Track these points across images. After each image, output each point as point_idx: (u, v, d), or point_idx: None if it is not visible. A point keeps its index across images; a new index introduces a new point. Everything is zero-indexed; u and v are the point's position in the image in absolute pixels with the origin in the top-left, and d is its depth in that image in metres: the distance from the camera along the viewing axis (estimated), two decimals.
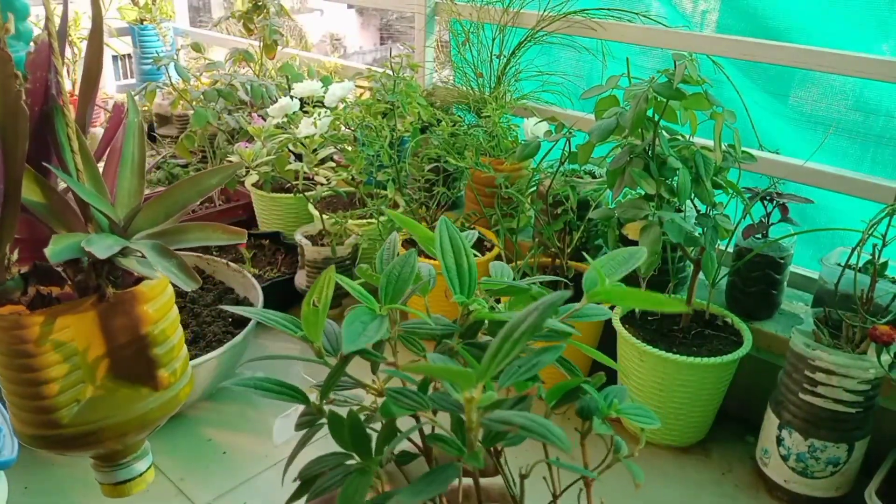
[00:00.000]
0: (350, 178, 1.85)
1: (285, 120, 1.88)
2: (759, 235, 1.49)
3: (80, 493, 1.36)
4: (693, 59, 1.24)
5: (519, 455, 0.48)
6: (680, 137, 1.36)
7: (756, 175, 1.60)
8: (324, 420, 0.51)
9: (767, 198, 1.46)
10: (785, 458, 1.34)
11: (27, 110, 0.54)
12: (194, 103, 2.16)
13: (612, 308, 1.53)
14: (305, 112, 1.84)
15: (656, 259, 1.29)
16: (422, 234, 0.52)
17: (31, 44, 0.56)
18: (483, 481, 0.55)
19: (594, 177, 1.78)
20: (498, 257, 1.78)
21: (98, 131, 2.34)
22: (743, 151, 1.35)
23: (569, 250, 1.65)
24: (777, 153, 1.54)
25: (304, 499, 0.52)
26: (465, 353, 0.50)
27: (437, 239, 0.50)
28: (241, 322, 1.66)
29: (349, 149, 1.85)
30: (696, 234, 1.34)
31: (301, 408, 0.52)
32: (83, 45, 3.03)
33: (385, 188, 1.86)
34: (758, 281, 1.52)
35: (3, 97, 0.52)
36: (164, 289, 0.62)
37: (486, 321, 0.50)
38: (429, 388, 0.49)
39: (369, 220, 1.94)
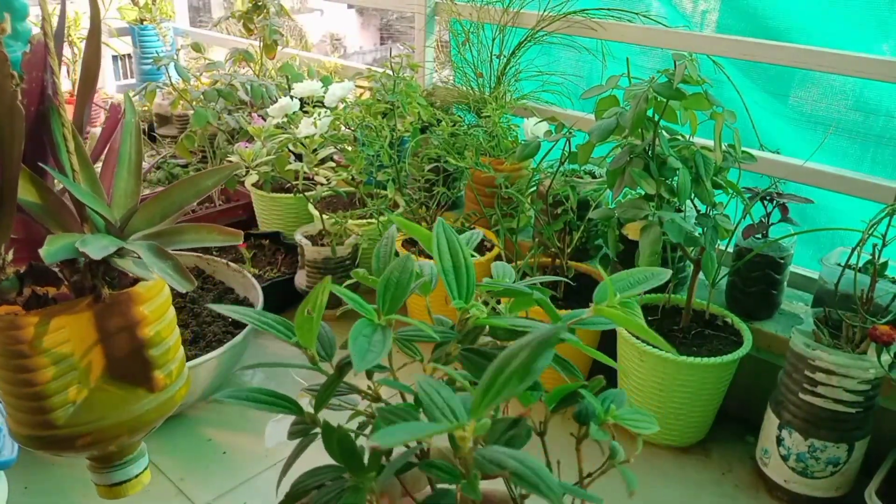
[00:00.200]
0: (350, 178, 1.85)
1: (285, 120, 1.88)
2: (759, 235, 1.49)
3: (80, 493, 1.36)
4: (693, 59, 1.24)
5: None
6: (680, 137, 1.36)
7: (756, 175, 1.60)
8: (318, 430, 0.51)
9: (767, 198, 1.46)
10: (785, 458, 1.34)
11: (23, 110, 0.53)
12: (194, 103, 2.16)
13: None
14: (305, 112, 1.84)
15: (656, 259, 1.29)
16: (423, 236, 0.51)
17: (29, 44, 0.56)
18: (484, 486, 0.54)
19: (594, 177, 1.78)
20: (498, 257, 1.78)
21: (98, 131, 2.34)
22: (743, 151, 1.35)
23: (569, 250, 1.65)
24: (777, 153, 1.54)
25: None
26: (462, 360, 0.49)
27: (435, 241, 0.50)
28: (241, 322, 1.66)
29: (349, 149, 1.85)
30: (696, 234, 1.34)
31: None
32: (83, 45, 3.02)
33: (385, 188, 1.85)
34: (758, 281, 1.52)
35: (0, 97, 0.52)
36: (160, 290, 0.62)
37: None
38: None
39: (369, 220, 1.94)
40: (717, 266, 1.44)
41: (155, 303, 0.61)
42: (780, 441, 1.35)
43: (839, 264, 1.36)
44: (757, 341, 1.49)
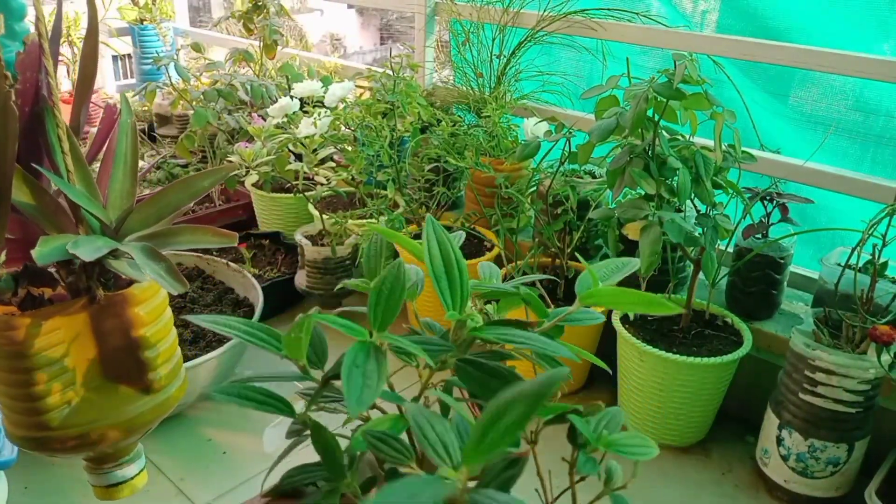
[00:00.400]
0: (350, 178, 1.85)
1: (285, 120, 1.88)
2: (759, 235, 1.49)
3: (80, 493, 1.36)
4: (693, 59, 1.23)
5: None
6: (680, 137, 1.36)
7: (756, 175, 1.60)
8: (309, 433, 0.50)
9: (767, 198, 1.46)
10: (785, 458, 1.34)
11: (17, 110, 0.53)
12: (194, 103, 2.16)
13: (610, 311, 1.53)
14: (305, 112, 1.84)
15: (656, 259, 1.29)
16: (410, 247, 0.50)
17: (23, 44, 0.56)
18: None
19: (594, 177, 1.78)
20: (498, 257, 1.78)
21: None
22: (743, 151, 1.35)
23: (569, 250, 1.65)
24: (778, 153, 1.54)
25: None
26: (457, 370, 0.48)
27: (426, 244, 0.48)
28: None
29: (349, 149, 1.85)
30: (696, 234, 1.33)
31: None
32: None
33: (385, 188, 1.85)
34: (758, 281, 1.52)
35: None
36: (156, 291, 0.62)
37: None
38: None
39: (369, 220, 1.94)
40: (717, 266, 1.44)
41: (150, 304, 0.61)
42: (780, 441, 1.35)
43: (839, 264, 1.36)
44: (757, 341, 1.49)
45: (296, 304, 1.94)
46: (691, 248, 1.40)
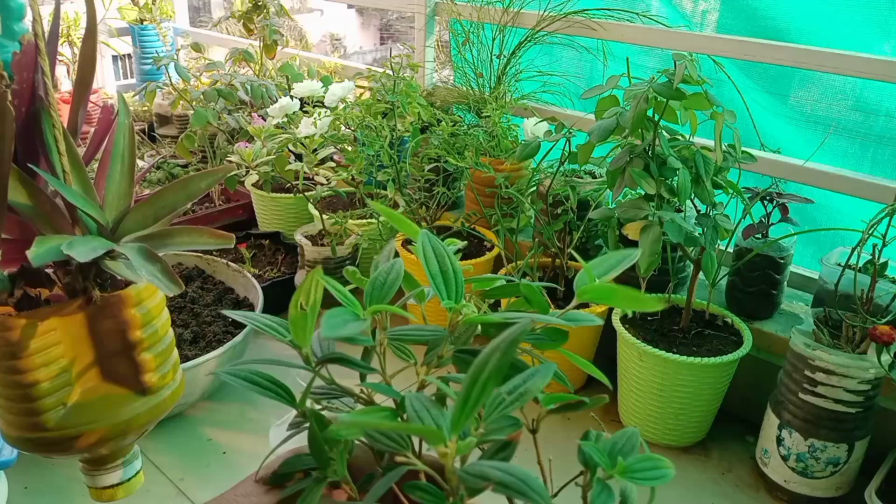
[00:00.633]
0: (350, 178, 1.85)
1: (285, 120, 1.88)
2: (759, 235, 1.49)
3: (79, 493, 1.36)
4: (693, 59, 1.24)
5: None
6: (680, 137, 1.36)
7: (757, 175, 1.60)
8: (307, 424, 0.51)
9: (767, 198, 1.46)
10: (785, 458, 1.34)
11: (13, 111, 0.53)
12: (194, 103, 2.16)
13: (610, 311, 1.53)
14: (305, 112, 1.84)
15: (656, 259, 1.29)
16: (410, 230, 0.51)
17: (20, 44, 0.56)
18: None
19: (594, 177, 1.78)
20: (498, 257, 1.79)
21: None
22: (743, 151, 1.35)
23: (569, 250, 1.65)
24: (778, 153, 1.54)
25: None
26: (456, 362, 0.49)
27: (420, 249, 0.50)
28: (241, 322, 1.66)
29: (349, 149, 1.85)
30: (696, 234, 1.34)
31: (294, 413, 0.52)
32: None
33: (385, 188, 1.86)
34: (758, 281, 1.52)
35: None
36: (153, 292, 0.61)
37: (480, 325, 0.49)
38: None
39: (369, 220, 1.94)
40: (717, 266, 1.44)
41: (147, 305, 0.61)
42: (780, 441, 1.35)
43: (839, 264, 1.36)
44: (757, 341, 1.49)
45: None
46: (691, 248, 1.40)
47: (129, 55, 3.62)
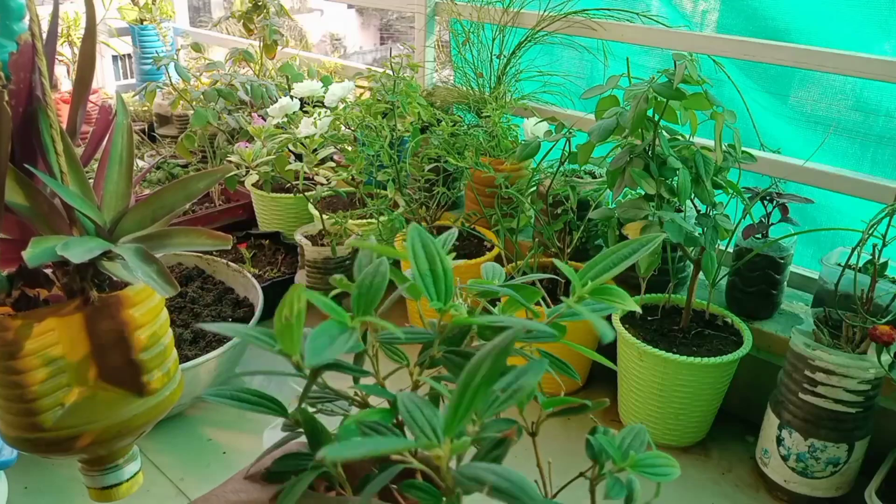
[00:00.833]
0: (350, 178, 1.85)
1: (285, 120, 1.88)
2: (759, 235, 1.49)
3: (79, 493, 1.36)
4: (693, 59, 1.23)
5: (509, 461, 0.48)
6: (680, 137, 1.36)
7: (757, 175, 1.60)
8: (301, 430, 0.51)
9: (767, 198, 1.46)
10: (785, 458, 1.34)
11: (9, 111, 0.53)
12: (194, 103, 2.16)
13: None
14: (305, 112, 1.84)
15: (656, 259, 1.29)
16: (392, 253, 0.50)
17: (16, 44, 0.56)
18: None
19: (594, 177, 1.78)
20: (498, 257, 1.78)
21: None
22: (743, 151, 1.35)
23: (569, 250, 1.65)
24: (778, 153, 1.54)
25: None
26: (445, 363, 0.49)
27: (409, 246, 0.49)
28: (242, 322, 1.66)
29: (349, 149, 1.85)
30: (696, 234, 1.34)
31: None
32: None
33: (385, 188, 1.85)
34: (758, 281, 1.52)
35: None
36: (151, 293, 0.61)
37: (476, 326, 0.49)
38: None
39: (369, 220, 1.93)
40: (717, 266, 1.44)
41: (145, 306, 0.61)
42: (780, 441, 1.35)
43: (839, 264, 1.36)
44: (757, 341, 1.49)
45: None
46: (691, 248, 1.40)
47: (128, 55, 3.62)
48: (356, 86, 2.02)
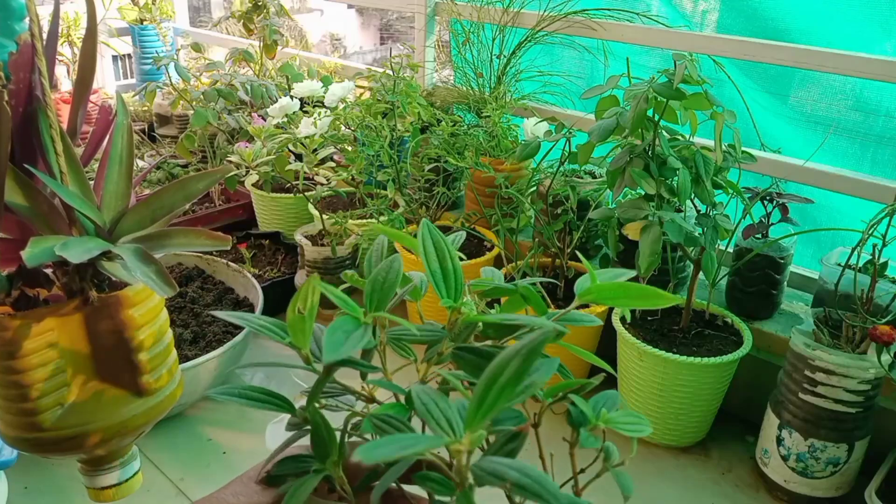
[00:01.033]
0: (350, 178, 1.85)
1: (285, 120, 1.88)
2: (759, 235, 1.49)
3: (80, 493, 1.36)
4: (693, 59, 1.23)
5: None
6: (680, 137, 1.36)
7: (757, 175, 1.60)
8: (309, 427, 0.51)
9: (767, 198, 1.46)
10: (785, 458, 1.34)
11: (9, 111, 0.53)
12: (194, 103, 2.16)
13: (610, 311, 1.53)
14: (305, 112, 1.84)
15: (656, 259, 1.29)
16: (407, 241, 0.51)
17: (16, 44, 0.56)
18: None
19: (594, 177, 1.78)
20: (498, 257, 1.79)
21: None
22: (743, 151, 1.35)
23: (569, 250, 1.65)
24: (778, 153, 1.54)
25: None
26: (455, 359, 0.49)
27: (420, 243, 0.49)
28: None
29: (349, 149, 1.85)
30: (696, 234, 1.34)
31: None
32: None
33: (385, 188, 1.86)
34: (758, 281, 1.52)
35: None
36: (150, 294, 0.61)
37: (481, 323, 0.50)
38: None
39: (369, 220, 1.93)
40: (717, 266, 1.44)
41: (145, 306, 0.61)
42: (780, 441, 1.35)
43: (839, 264, 1.36)
44: (757, 341, 1.49)
45: None
46: (691, 248, 1.40)
47: (129, 55, 3.62)
48: (356, 86, 2.02)
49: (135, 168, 0.64)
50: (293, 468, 0.52)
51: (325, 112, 1.79)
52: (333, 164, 1.89)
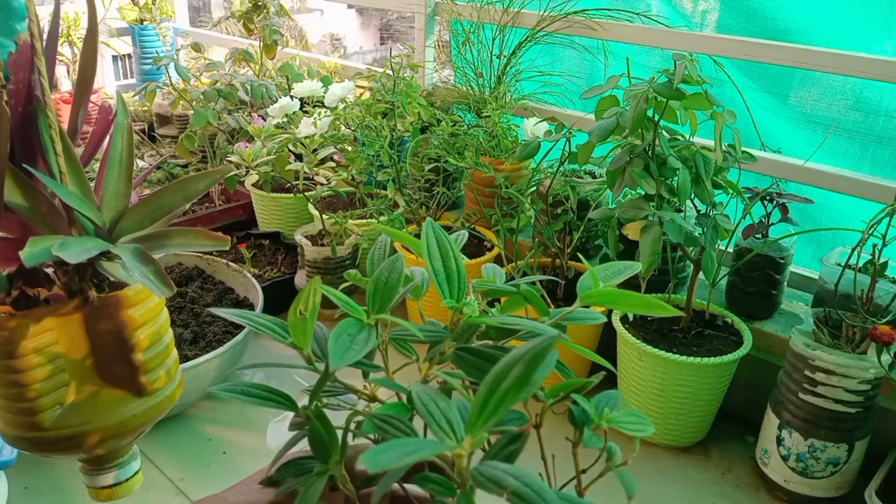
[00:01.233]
0: (350, 178, 1.85)
1: (285, 120, 1.88)
2: (759, 235, 1.49)
3: (80, 492, 1.36)
4: (693, 59, 1.23)
5: None
6: (680, 137, 1.36)
7: (757, 175, 1.60)
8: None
9: (767, 198, 1.46)
10: (785, 458, 1.34)
11: (9, 111, 0.53)
12: (194, 103, 2.16)
13: (610, 311, 1.53)
14: (305, 112, 1.84)
15: (656, 259, 1.29)
16: (409, 241, 0.51)
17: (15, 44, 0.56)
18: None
19: (594, 177, 1.78)
20: (498, 257, 1.79)
21: None
22: (743, 151, 1.35)
23: (569, 250, 1.65)
24: (779, 153, 1.54)
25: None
26: (456, 360, 0.49)
27: (424, 242, 0.49)
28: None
29: (349, 149, 1.85)
30: (696, 234, 1.34)
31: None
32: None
33: (385, 188, 1.86)
34: (758, 281, 1.52)
35: None
36: (150, 293, 0.61)
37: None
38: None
39: (369, 220, 1.94)
40: (717, 266, 1.44)
41: (145, 306, 0.60)
42: (779, 441, 1.35)
43: (839, 264, 1.36)
44: (757, 341, 1.49)
45: None
46: (691, 248, 1.40)
47: (129, 55, 3.62)
48: (356, 86, 2.02)
49: (135, 168, 0.64)
50: (294, 471, 0.52)
51: (325, 112, 1.79)
52: (333, 164, 1.89)
